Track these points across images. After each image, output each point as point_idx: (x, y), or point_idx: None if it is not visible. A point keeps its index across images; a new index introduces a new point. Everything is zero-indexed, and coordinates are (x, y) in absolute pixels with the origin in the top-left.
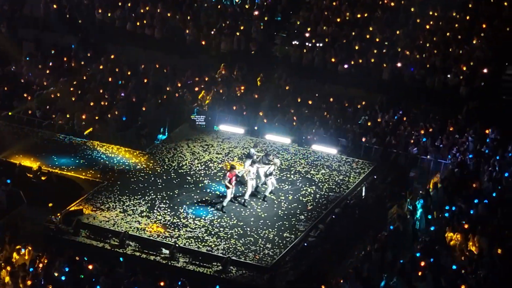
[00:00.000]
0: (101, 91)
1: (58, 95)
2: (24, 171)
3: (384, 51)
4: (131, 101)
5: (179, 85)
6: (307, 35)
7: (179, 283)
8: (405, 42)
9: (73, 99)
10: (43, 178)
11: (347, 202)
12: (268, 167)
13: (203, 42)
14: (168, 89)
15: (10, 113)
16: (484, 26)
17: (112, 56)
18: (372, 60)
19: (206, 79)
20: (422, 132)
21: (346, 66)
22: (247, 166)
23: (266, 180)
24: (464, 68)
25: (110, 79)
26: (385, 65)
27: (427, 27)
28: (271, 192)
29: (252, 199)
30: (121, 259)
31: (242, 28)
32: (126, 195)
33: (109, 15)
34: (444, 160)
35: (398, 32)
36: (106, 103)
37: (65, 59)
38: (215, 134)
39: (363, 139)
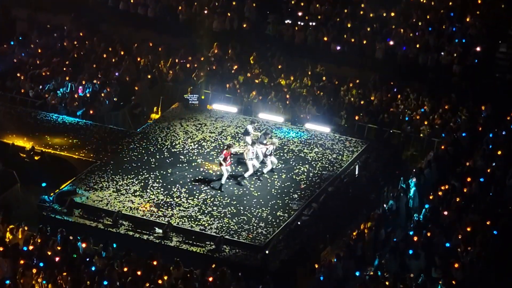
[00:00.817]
0: (94, 70)
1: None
2: (18, 151)
3: (375, 26)
4: (124, 81)
5: (173, 63)
6: (300, 13)
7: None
8: (398, 20)
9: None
10: (36, 158)
11: (340, 180)
12: (267, 147)
13: (196, 21)
14: (161, 68)
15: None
16: (478, 2)
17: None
18: (365, 42)
19: (202, 58)
20: (416, 110)
21: (338, 47)
22: (247, 145)
23: (265, 159)
24: (458, 47)
25: (103, 58)
26: (378, 46)
27: (420, 4)
28: (272, 170)
29: (244, 179)
30: None
31: (234, 5)
32: (119, 174)
33: None
34: (438, 138)
35: (392, 14)
36: (99, 82)
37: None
38: (208, 113)
39: (356, 118)
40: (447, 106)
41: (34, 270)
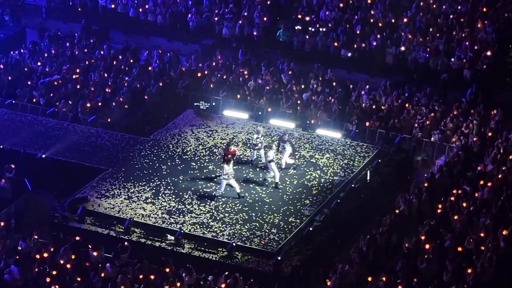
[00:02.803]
0: (105, 77)
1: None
2: (29, 159)
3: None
4: (135, 88)
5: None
6: (309, 19)
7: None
8: (408, 26)
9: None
10: (47, 165)
11: (352, 186)
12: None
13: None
14: (171, 75)
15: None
16: (487, 8)
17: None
18: (375, 44)
19: (214, 63)
20: (427, 115)
21: (349, 54)
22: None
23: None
24: (468, 51)
25: (113, 66)
26: (388, 50)
27: (430, 10)
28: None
29: (256, 185)
30: None
31: (245, 13)
32: (131, 181)
33: (112, 4)
34: (449, 143)
35: (405, 20)
36: (110, 90)
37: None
38: (219, 120)
39: (367, 123)
40: (458, 110)
41: None
